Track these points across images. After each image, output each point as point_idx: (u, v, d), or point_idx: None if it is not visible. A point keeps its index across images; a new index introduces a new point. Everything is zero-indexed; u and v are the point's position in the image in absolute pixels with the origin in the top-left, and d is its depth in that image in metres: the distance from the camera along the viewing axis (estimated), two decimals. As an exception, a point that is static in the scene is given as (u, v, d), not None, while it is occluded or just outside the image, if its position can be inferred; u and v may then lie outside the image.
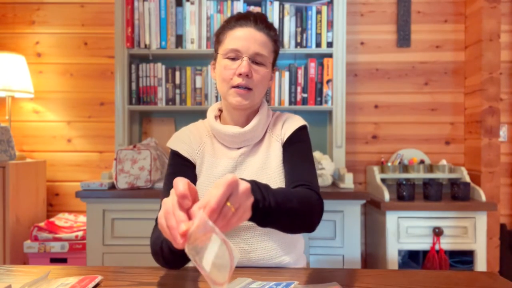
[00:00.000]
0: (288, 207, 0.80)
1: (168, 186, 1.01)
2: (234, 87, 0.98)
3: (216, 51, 1.06)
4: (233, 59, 0.99)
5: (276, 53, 1.06)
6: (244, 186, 0.64)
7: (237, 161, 1.05)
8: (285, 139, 1.05)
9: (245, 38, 0.98)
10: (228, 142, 1.05)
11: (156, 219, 0.95)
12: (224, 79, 1.00)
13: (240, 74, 0.97)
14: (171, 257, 0.79)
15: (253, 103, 1.02)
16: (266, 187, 0.77)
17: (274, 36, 1.04)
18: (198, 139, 1.08)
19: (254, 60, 0.99)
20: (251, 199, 0.67)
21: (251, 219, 0.73)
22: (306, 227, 0.87)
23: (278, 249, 1.00)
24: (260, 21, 1.01)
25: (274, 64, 1.08)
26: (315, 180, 0.97)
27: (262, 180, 1.01)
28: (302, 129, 1.06)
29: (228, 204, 0.62)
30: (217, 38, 1.06)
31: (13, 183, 2.11)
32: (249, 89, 0.99)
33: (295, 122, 1.07)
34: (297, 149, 1.03)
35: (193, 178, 1.04)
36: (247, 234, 0.99)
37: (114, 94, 2.29)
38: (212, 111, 1.10)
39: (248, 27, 0.99)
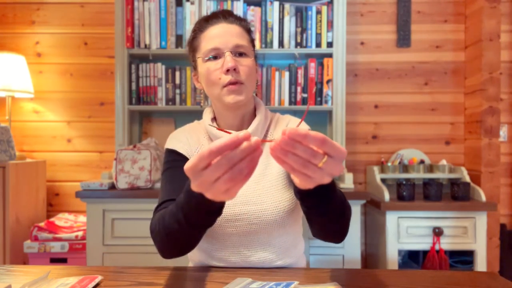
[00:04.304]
0: (342, 205, 0.85)
1: (166, 183, 0.97)
2: (225, 86, 0.95)
3: (193, 60, 1.03)
4: (215, 58, 0.96)
5: (253, 43, 1.04)
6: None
7: None
8: None
9: (220, 34, 0.96)
10: None
11: (156, 208, 0.94)
12: (212, 81, 0.96)
13: (227, 71, 0.94)
14: (189, 230, 0.79)
15: (248, 98, 0.99)
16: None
17: (247, 25, 1.02)
18: (196, 140, 1.05)
19: (237, 52, 0.96)
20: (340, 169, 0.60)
21: (314, 196, 0.76)
22: (344, 232, 0.91)
23: (278, 252, 0.99)
24: (228, 15, 1.00)
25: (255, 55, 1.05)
26: None
27: (264, 186, 0.99)
28: None
29: (325, 158, 0.57)
30: (191, 46, 1.03)
31: (13, 183, 2.11)
32: (241, 83, 0.95)
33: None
34: None
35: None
36: (247, 238, 0.98)
37: (114, 94, 2.29)
38: (208, 113, 1.06)
39: (220, 23, 0.98)
